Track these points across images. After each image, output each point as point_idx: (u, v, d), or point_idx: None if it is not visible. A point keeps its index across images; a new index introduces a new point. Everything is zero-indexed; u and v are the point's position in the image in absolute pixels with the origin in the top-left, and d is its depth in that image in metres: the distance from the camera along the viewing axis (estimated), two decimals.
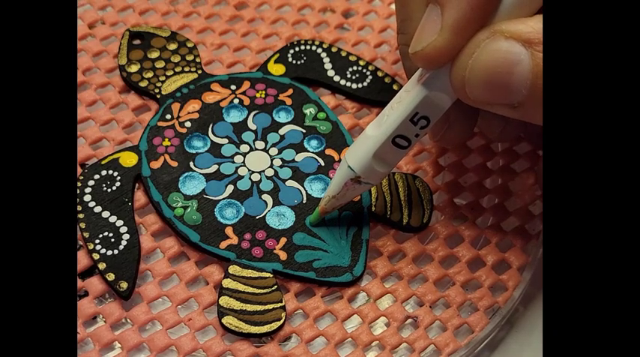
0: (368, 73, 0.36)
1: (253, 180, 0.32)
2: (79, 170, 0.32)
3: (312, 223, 0.31)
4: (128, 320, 0.29)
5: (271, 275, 0.30)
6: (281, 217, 0.31)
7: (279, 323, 0.29)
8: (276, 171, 0.32)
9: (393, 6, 0.39)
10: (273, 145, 0.33)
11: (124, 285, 0.29)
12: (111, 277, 0.29)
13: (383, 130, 0.28)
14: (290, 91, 0.35)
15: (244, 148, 0.33)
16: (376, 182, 0.29)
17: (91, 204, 0.31)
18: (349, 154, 0.29)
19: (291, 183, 0.32)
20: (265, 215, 0.31)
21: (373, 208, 0.32)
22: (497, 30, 0.24)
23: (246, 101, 0.34)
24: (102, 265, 0.30)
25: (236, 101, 0.34)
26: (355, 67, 0.36)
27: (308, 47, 0.36)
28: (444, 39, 0.25)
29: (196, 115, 0.34)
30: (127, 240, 0.30)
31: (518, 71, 0.24)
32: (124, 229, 0.30)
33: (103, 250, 0.30)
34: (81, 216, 0.31)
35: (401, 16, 0.30)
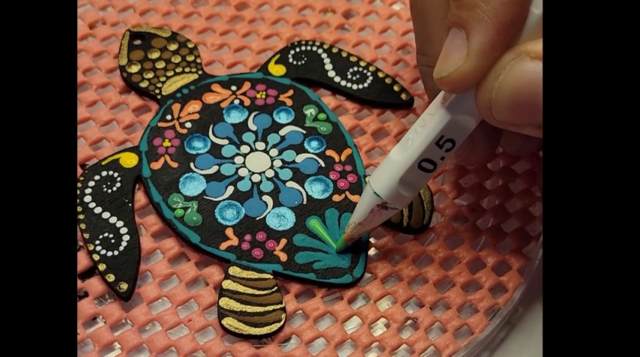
0: (369, 74, 0.36)
1: (253, 181, 0.32)
2: (80, 171, 0.32)
3: (338, 251, 0.31)
4: (128, 321, 0.29)
5: (271, 276, 0.30)
6: (281, 218, 0.31)
7: (279, 324, 0.29)
8: (276, 172, 0.32)
9: (394, 6, 0.39)
10: (274, 146, 0.33)
11: (124, 286, 0.29)
12: (111, 278, 0.29)
13: (408, 155, 0.27)
14: (290, 92, 0.35)
15: (245, 148, 0.33)
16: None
17: (92, 205, 0.31)
18: (374, 180, 0.28)
19: (291, 184, 0.32)
20: (265, 216, 0.31)
21: None
22: (523, 51, 0.24)
23: (247, 102, 0.34)
24: (102, 266, 0.30)
25: (236, 102, 0.34)
26: (356, 68, 0.36)
27: (309, 48, 0.36)
28: (470, 64, 0.25)
29: (197, 116, 0.34)
30: (127, 241, 0.30)
31: None
32: (124, 230, 0.30)
33: (103, 251, 0.30)
34: (81, 217, 0.31)
35: (421, 37, 0.30)
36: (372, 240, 0.31)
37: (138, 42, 0.36)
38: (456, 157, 0.30)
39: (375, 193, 0.28)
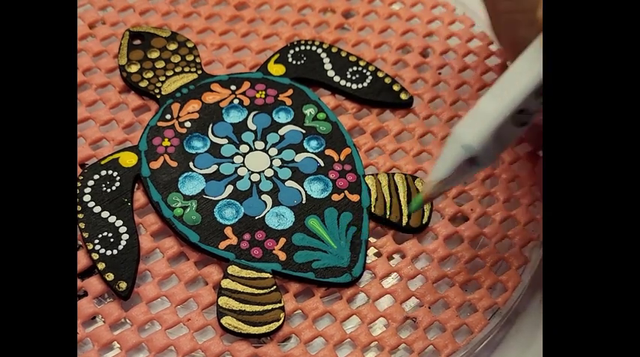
0: (368, 73, 0.36)
1: (253, 180, 0.32)
2: (79, 170, 0.32)
3: (413, 211, 0.29)
4: (127, 320, 0.29)
5: (270, 276, 0.30)
6: (280, 218, 0.31)
7: (278, 324, 0.29)
8: (275, 171, 0.32)
9: (393, 6, 0.39)
10: (273, 145, 0.33)
11: (123, 285, 0.29)
12: (110, 277, 0.29)
13: (505, 104, 0.25)
14: (290, 92, 0.35)
15: (244, 148, 0.33)
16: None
17: (91, 204, 0.31)
18: (463, 132, 0.26)
19: (290, 183, 0.32)
20: (265, 215, 0.31)
21: (373, 209, 0.32)
22: None
23: (246, 101, 0.34)
24: (101, 265, 0.30)
25: (236, 101, 0.34)
26: (355, 68, 0.36)
27: (308, 47, 0.36)
28: None
29: (196, 116, 0.34)
30: (126, 240, 0.30)
31: None
32: (123, 229, 0.30)
33: (103, 250, 0.30)
34: (80, 216, 0.31)
35: None
36: (371, 239, 0.31)
37: (137, 42, 0.36)
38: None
39: (464, 145, 0.25)
